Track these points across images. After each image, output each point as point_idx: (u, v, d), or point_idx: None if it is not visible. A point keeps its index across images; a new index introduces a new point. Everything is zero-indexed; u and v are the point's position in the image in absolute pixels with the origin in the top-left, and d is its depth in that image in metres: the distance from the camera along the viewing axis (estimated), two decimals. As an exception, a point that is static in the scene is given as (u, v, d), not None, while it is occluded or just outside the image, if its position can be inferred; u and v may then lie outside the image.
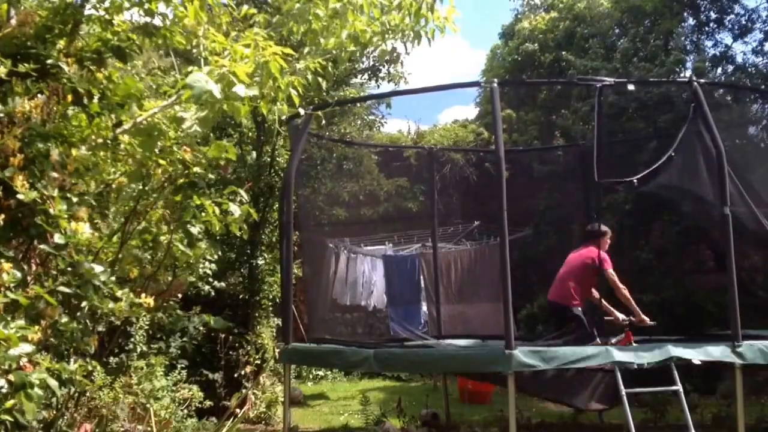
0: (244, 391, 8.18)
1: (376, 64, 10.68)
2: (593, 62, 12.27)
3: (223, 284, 8.72)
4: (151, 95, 4.30)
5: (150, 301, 3.49)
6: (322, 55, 4.25)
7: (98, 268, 3.27)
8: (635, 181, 7.09)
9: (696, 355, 6.07)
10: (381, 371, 11.32)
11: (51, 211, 3.18)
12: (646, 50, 12.22)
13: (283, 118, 4.84)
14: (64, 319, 3.22)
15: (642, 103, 11.12)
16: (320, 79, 4.19)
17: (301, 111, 5.10)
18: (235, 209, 4.05)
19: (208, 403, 7.84)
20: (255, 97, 3.64)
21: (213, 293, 8.26)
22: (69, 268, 3.20)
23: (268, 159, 9.58)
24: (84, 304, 3.21)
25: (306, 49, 4.32)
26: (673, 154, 7.26)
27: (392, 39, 4.38)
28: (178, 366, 7.94)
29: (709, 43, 12.85)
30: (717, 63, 12.47)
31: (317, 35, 4.19)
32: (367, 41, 4.25)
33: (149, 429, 5.85)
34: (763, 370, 7.38)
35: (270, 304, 9.73)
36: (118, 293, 3.36)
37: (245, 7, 4.38)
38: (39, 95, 3.39)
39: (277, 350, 8.70)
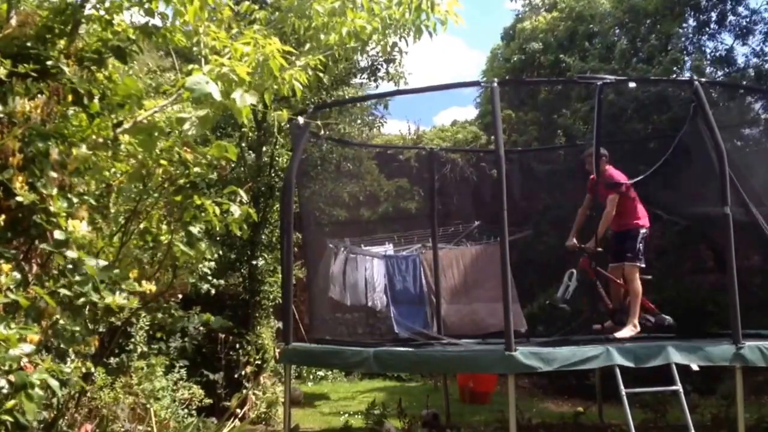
0: (244, 391, 8.17)
1: (376, 63, 10.64)
2: (591, 63, 12.26)
3: (222, 281, 8.71)
4: (149, 93, 4.30)
5: (152, 287, 3.48)
6: (323, 51, 4.25)
7: (101, 263, 3.26)
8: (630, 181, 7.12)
9: (697, 360, 6.06)
10: (381, 371, 11.29)
11: (51, 208, 3.17)
12: (644, 50, 12.20)
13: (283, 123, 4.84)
14: (65, 320, 3.21)
15: (641, 103, 11.11)
16: (321, 75, 4.19)
17: (301, 119, 5.12)
18: (235, 209, 4.05)
19: (207, 401, 7.83)
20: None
21: (213, 291, 8.24)
22: (70, 266, 3.19)
23: (268, 159, 9.57)
24: (81, 300, 3.19)
25: (307, 46, 4.33)
26: (670, 154, 7.27)
27: (393, 35, 4.39)
28: (177, 365, 7.93)
29: (710, 44, 12.82)
30: (718, 64, 12.44)
31: (318, 32, 4.19)
32: (367, 37, 4.26)
33: (149, 429, 5.84)
34: (763, 370, 7.38)
35: (270, 304, 9.71)
36: (122, 285, 3.35)
37: (246, 3, 4.38)
38: (39, 95, 3.39)
39: (277, 350, 8.69)
